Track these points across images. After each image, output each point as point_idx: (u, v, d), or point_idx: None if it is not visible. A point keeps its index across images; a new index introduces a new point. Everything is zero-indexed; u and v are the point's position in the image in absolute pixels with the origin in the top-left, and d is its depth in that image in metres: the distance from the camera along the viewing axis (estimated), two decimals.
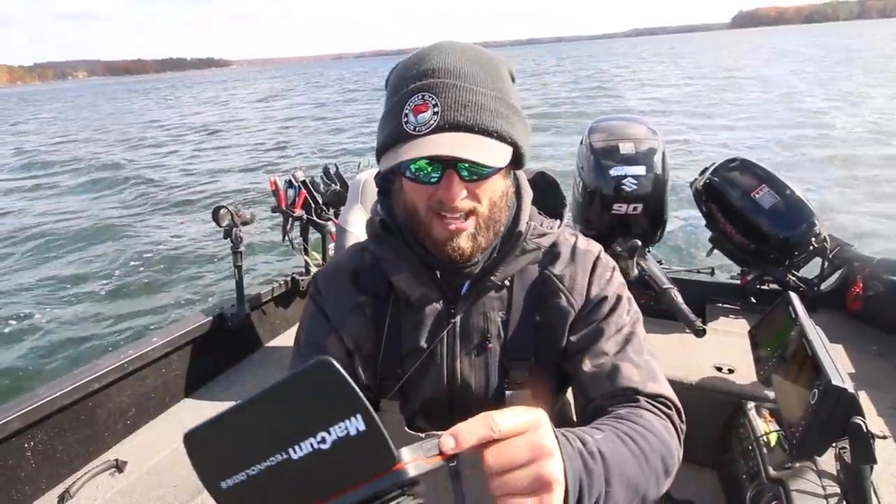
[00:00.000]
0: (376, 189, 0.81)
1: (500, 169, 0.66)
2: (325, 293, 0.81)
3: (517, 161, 0.69)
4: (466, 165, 0.63)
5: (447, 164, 0.63)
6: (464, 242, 0.68)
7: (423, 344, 0.75)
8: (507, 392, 0.75)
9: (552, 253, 0.79)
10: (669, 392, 0.72)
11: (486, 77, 0.64)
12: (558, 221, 0.79)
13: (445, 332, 0.75)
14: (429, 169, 0.64)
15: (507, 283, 0.77)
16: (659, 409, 0.69)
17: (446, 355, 0.76)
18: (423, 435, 0.72)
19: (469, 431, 0.41)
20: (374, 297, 0.79)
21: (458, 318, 0.75)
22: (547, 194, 0.82)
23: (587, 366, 0.73)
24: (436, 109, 0.60)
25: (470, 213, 0.67)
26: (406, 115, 0.62)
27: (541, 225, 0.77)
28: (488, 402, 0.75)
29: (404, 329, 0.77)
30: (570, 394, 0.89)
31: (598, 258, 0.80)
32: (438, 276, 0.75)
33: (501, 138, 0.63)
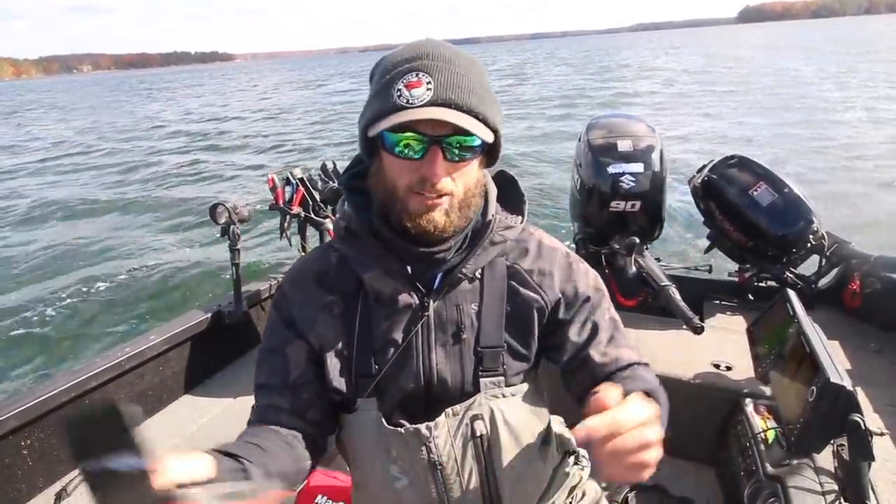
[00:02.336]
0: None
1: (481, 152, 0.70)
2: (292, 296, 0.81)
3: (492, 153, 0.73)
4: (452, 145, 0.66)
5: (432, 142, 0.66)
6: (438, 215, 0.70)
7: (398, 338, 0.77)
8: (483, 380, 0.78)
9: (520, 248, 0.83)
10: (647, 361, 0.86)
11: (471, 68, 0.69)
12: (521, 217, 0.83)
13: (420, 324, 0.77)
14: (415, 145, 0.66)
15: (478, 275, 0.80)
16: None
17: (421, 347, 0.77)
18: (402, 430, 0.75)
19: (597, 428, 0.51)
20: (342, 295, 0.80)
21: (431, 311, 0.77)
22: (508, 191, 0.85)
23: (596, 358, 0.80)
24: (429, 86, 0.63)
25: (446, 194, 0.70)
26: (399, 90, 0.64)
27: (505, 219, 0.81)
28: (464, 392, 0.78)
29: (376, 325, 0.78)
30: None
31: (568, 255, 0.85)
32: (410, 271, 0.77)
33: (486, 122, 0.67)
